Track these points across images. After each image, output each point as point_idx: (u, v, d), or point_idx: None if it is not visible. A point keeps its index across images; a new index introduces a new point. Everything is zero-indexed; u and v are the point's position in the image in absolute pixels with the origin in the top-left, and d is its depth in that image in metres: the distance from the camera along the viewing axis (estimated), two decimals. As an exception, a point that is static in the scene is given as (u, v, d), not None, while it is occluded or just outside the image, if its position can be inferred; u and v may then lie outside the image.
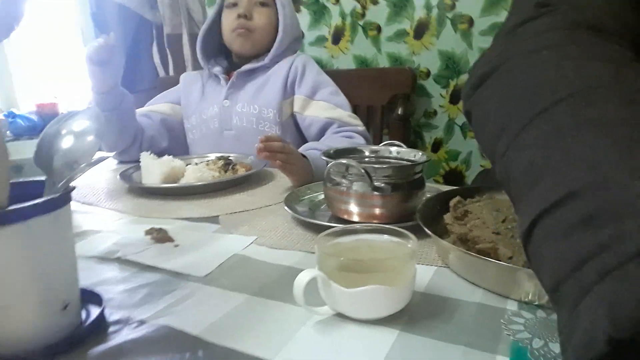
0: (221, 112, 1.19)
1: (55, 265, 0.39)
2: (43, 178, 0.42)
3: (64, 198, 0.39)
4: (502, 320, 0.41)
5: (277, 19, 1.21)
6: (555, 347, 0.37)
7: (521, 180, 0.32)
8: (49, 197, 0.37)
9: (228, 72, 1.26)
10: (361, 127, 1.15)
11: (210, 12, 1.29)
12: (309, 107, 1.18)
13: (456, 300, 0.45)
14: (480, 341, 0.38)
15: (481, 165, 1.59)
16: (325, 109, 1.16)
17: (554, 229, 0.27)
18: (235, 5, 1.20)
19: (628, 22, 0.40)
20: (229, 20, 1.21)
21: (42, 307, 0.38)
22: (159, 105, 1.28)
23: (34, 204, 0.36)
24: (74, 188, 0.41)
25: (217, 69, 1.25)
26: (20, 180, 0.42)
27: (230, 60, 1.31)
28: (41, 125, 2.01)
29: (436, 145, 1.65)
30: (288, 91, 1.20)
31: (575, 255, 0.24)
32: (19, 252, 0.36)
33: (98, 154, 0.48)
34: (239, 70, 1.22)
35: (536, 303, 0.43)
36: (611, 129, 0.28)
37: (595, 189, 0.25)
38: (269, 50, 1.21)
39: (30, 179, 0.42)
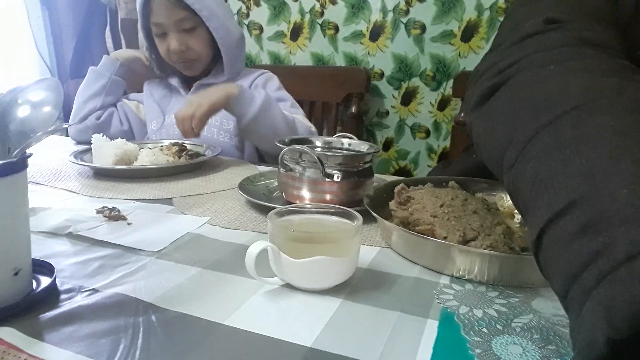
0: None
1: (8, 230, 0.40)
2: (-4, 145, 0.42)
3: (21, 163, 0.40)
4: (434, 291, 0.46)
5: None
6: (479, 313, 0.42)
7: (528, 192, 0.33)
8: (6, 161, 0.38)
9: (187, 81, 1.22)
10: (313, 129, 1.14)
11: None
12: None
13: (395, 275, 0.49)
14: (414, 308, 0.43)
15: (428, 166, 1.67)
16: None
17: (558, 238, 0.28)
18: (164, 34, 1.11)
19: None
20: (164, 52, 1.14)
21: (-7, 271, 0.39)
22: (127, 101, 1.26)
23: (-8, 167, 0.37)
24: (30, 155, 0.41)
25: (174, 80, 1.21)
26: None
27: None
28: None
29: (387, 145, 1.71)
30: None
31: (577, 262, 0.26)
32: (-27, 213, 0.37)
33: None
34: (198, 82, 1.18)
35: (465, 278, 0.48)
36: (607, 140, 0.29)
37: (589, 199, 0.27)
38: (219, 57, 1.17)
39: (-15, 145, 0.42)
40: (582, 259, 0.26)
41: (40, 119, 0.44)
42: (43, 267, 0.47)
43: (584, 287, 0.25)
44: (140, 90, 1.29)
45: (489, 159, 0.42)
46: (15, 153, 0.41)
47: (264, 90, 1.03)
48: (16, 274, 0.41)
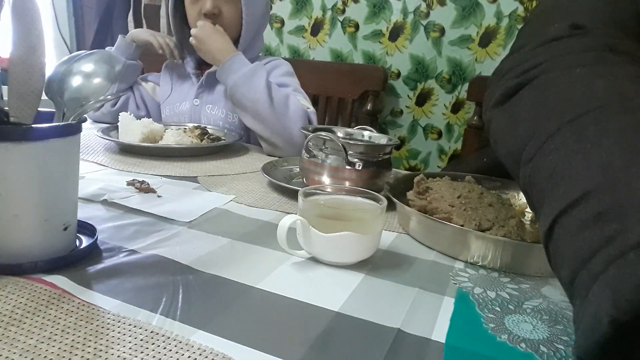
0: (192, 110, 1.19)
1: (62, 187, 0.43)
2: (53, 110, 0.45)
3: (77, 126, 0.43)
4: (450, 274, 0.49)
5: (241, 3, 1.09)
6: (492, 294, 0.45)
7: (544, 185, 0.33)
8: (67, 123, 0.41)
9: (200, 66, 1.21)
10: (311, 109, 1.08)
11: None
12: None
13: (413, 258, 0.52)
14: (431, 286, 0.46)
15: (438, 166, 1.70)
16: None
17: (570, 226, 0.28)
18: None
19: None
20: (193, 16, 1.11)
21: (46, 223, 0.42)
22: (144, 83, 1.28)
23: (55, 126, 0.40)
24: (85, 119, 0.45)
25: (189, 65, 1.20)
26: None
27: None
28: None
29: (399, 144, 1.74)
30: None
31: (587, 249, 0.26)
32: (35, 168, 0.40)
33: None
34: (209, 70, 1.15)
35: (479, 264, 0.51)
36: (630, 136, 0.30)
37: (605, 189, 0.27)
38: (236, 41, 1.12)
39: (42, 109, 0.45)
40: (593, 245, 0.26)
41: (92, 88, 0.48)
42: (85, 227, 0.50)
43: (591, 272, 0.25)
44: (159, 70, 1.28)
45: (506, 155, 0.42)
46: (72, 117, 0.44)
47: (256, 64, 1.01)
48: (65, 229, 0.44)
